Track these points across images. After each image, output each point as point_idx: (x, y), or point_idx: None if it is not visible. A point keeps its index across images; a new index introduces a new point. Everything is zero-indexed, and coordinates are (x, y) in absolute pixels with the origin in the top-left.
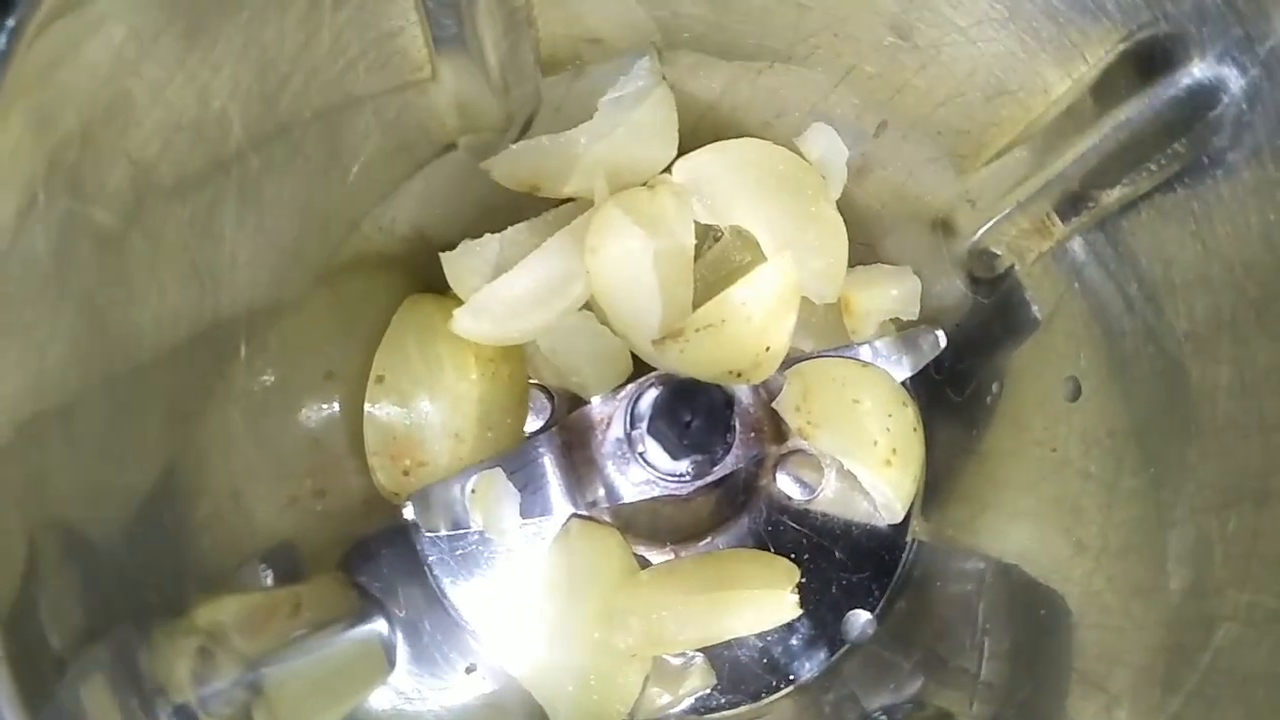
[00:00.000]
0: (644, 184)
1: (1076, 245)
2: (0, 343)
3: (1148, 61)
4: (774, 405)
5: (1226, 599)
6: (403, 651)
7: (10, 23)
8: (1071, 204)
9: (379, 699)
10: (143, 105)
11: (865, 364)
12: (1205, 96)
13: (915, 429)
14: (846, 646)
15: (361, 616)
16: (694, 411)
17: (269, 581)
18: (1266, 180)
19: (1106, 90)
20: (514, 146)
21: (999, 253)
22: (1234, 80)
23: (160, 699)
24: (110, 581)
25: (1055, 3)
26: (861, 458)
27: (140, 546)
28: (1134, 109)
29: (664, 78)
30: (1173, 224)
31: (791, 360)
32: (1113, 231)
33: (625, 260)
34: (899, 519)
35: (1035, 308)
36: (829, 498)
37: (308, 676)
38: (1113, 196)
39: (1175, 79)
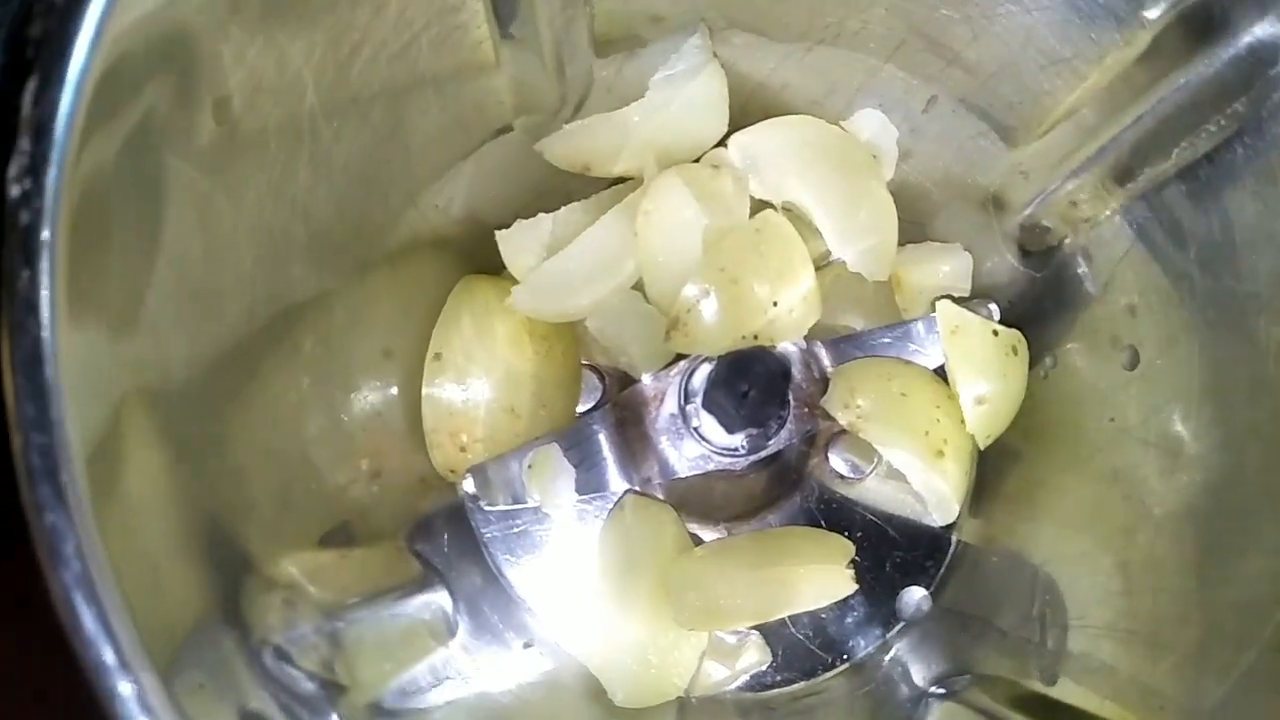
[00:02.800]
0: (703, 163)
1: (1132, 212)
2: (102, 286)
3: (1206, 22)
4: (823, 403)
5: None
6: (461, 628)
7: None
8: (1127, 170)
9: (438, 677)
10: (228, 66)
11: (909, 362)
12: (1266, 54)
13: (964, 421)
14: (901, 624)
15: (425, 585)
16: (751, 382)
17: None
18: None
19: (1164, 53)
20: (567, 126)
21: (1051, 225)
22: None
23: (259, 639)
24: (199, 525)
25: None
26: (913, 448)
27: (225, 500)
28: (1192, 71)
29: (715, 55)
30: (1232, 185)
31: (842, 339)
32: (1169, 196)
33: (676, 229)
34: (952, 518)
35: (1089, 279)
36: (879, 498)
37: (381, 634)
38: (1170, 161)
39: (1234, 37)
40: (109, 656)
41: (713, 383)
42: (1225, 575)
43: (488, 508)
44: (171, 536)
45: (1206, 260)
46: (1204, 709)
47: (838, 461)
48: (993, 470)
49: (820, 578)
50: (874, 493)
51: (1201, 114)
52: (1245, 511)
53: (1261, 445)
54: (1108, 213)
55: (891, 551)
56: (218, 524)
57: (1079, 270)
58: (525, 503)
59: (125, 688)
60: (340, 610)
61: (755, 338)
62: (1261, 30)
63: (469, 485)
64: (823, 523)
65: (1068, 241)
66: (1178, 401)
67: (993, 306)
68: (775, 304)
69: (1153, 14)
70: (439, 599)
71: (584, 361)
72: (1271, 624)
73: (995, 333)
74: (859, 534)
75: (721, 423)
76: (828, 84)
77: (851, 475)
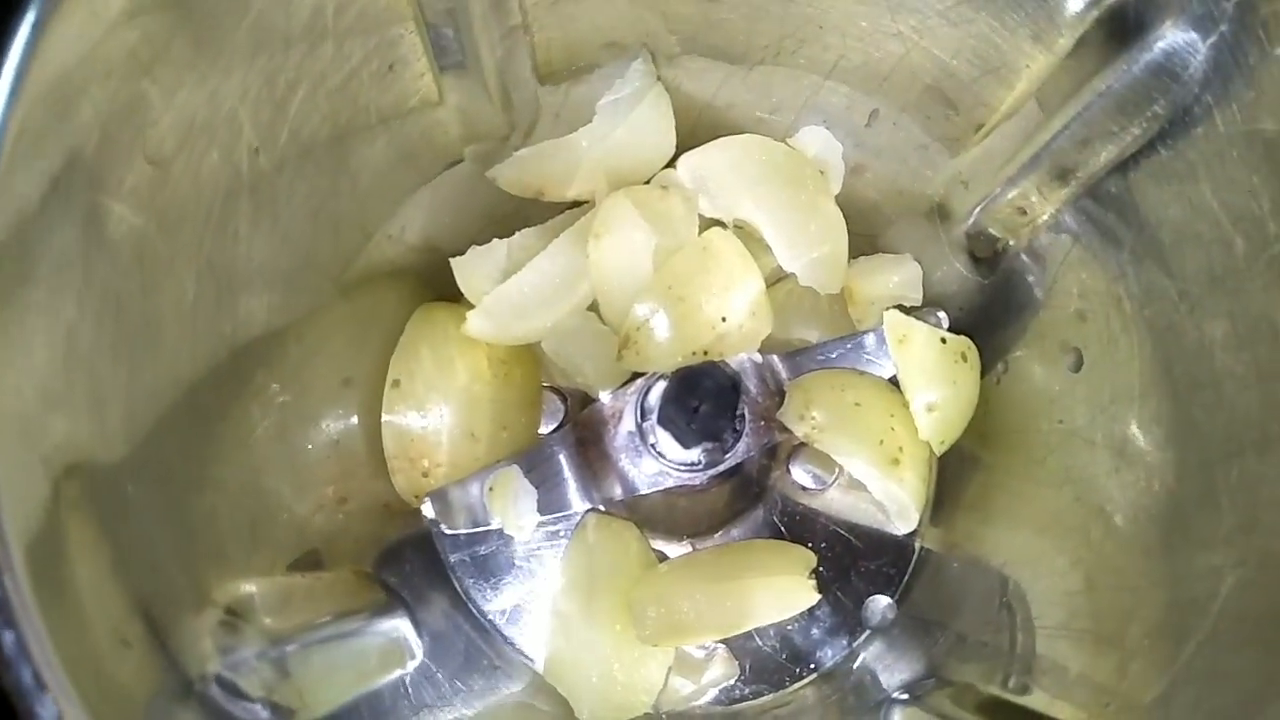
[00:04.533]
0: (652, 184)
1: (1069, 216)
2: (30, 320)
3: (1121, 28)
4: (779, 416)
5: (1234, 546)
6: (428, 650)
7: (31, 17)
8: (1060, 175)
9: (407, 701)
10: (157, 106)
11: (863, 372)
12: (1179, 57)
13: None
14: (868, 632)
15: (384, 611)
16: (701, 397)
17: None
18: (1242, 133)
19: (1084, 59)
20: (517, 153)
21: (996, 232)
22: (1203, 40)
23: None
24: (139, 560)
25: None
26: (869, 458)
27: (168, 532)
28: (1112, 76)
29: (658, 78)
30: (1159, 185)
31: (797, 352)
32: (1103, 199)
33: (626, 250)
34: (913, 525)
35: (1035, 283)
36: (842, 508)
37: (330, 661)
38: (1099, 163)
39: (1148, 43)
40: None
41: (665, 399)
42: (1167, 572)
43: (449, 532)
44: (116, 598)
45: (1140, 260)
46: (1144, 703)
47: (799, 473)
48: (952, 476)
49: (782, 589)
50: (837, 503)
51: (1125, 117)
52: (1184, 509)
53: (1199, 443)
54: (1047, 217)
55: (856, 560)
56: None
57: (1026, 276)
58: (487, 526)
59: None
60: (291, 635)
61: (705, 353)
62: (1173, 35)
63: (429, 510)
64: (786, 534)
65: (1013, 246)
66: (1121, 402)
67: (942, 315)
68: (724, 319)
69: (1071, 21)
70: (399, 625)
71: (545, 383)
72: (1209, 619)
73: (944, 340)
74: (823, 544)
75: (676, 438)
76: (772, 102)
77: (814, 486)
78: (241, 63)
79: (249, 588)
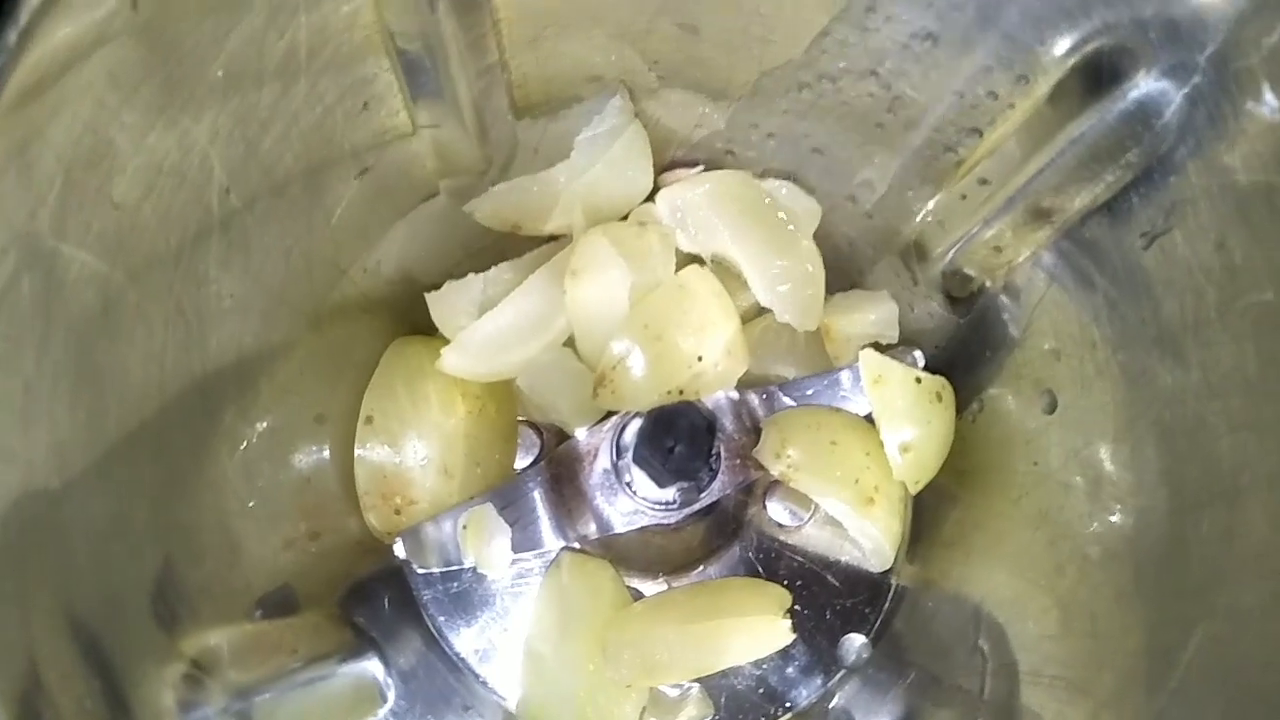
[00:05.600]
0: (629, 220)
1: (1044, 259)
2: None
3: (1095, 78)
4: (755, 454)
5: (1204, 597)
6: (400, 691)
7: None
8: (1036, 217)
9: None
10: (124, 151)
11: (839, 410)
12: (1152, 108)
13: None
14: (843, 671)
15: (355, 653)
16: (675, 436)
17: (264, 619)
18: (1214, 185)
19: (1059, 107)
20: (495, 188)
21: (971, 272)
22: (1176, 90)
23: None
24: (98, 613)
25: (1005, 27)
26: (845, 497)
27: (132, 582)
28: (1086, 124)
29: (635, 115)
30: (1132, 233)
31: (773, 389)
32: (1077, 244)
33: (603, 287)
34: (888, 563)
35: (1010, 323)
36: (819, 545)
37: (298, 709)
38: (1074, 207)
39: (1123, 92)
40: None
41: (640, 438)
42: (1139, 619)
43: (421, 571)
44: (73, 657)
45: (1114, 304)
46: None
47: (776, 509)
48: (929, 513)
49: (757, 629)
50: (813, 539)
51: (1099, 164)
52: (1156, 557)
53: (1170, 491)
54: (1022, 259)
55: (831, 599)
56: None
57: (1002, 315)
58: (460, 565)
59: None
60: (258, 686)
61: (681, 392)
62: (1146, 85)
63: (400, 550)
64: (762, 572)
65: (989, 287)
66: (1094, 445)
67: (917, 354)
68: (700, 359)
69: (1050, 68)
70: (370, 666)
71: (520, 417)
72: (1179, 669)
73: (919, 380)
74: (799, 582)
75: (651, 477)
76: (751, 138)
77: (790, 523)
78: (213, 104)
79: (215, 638)
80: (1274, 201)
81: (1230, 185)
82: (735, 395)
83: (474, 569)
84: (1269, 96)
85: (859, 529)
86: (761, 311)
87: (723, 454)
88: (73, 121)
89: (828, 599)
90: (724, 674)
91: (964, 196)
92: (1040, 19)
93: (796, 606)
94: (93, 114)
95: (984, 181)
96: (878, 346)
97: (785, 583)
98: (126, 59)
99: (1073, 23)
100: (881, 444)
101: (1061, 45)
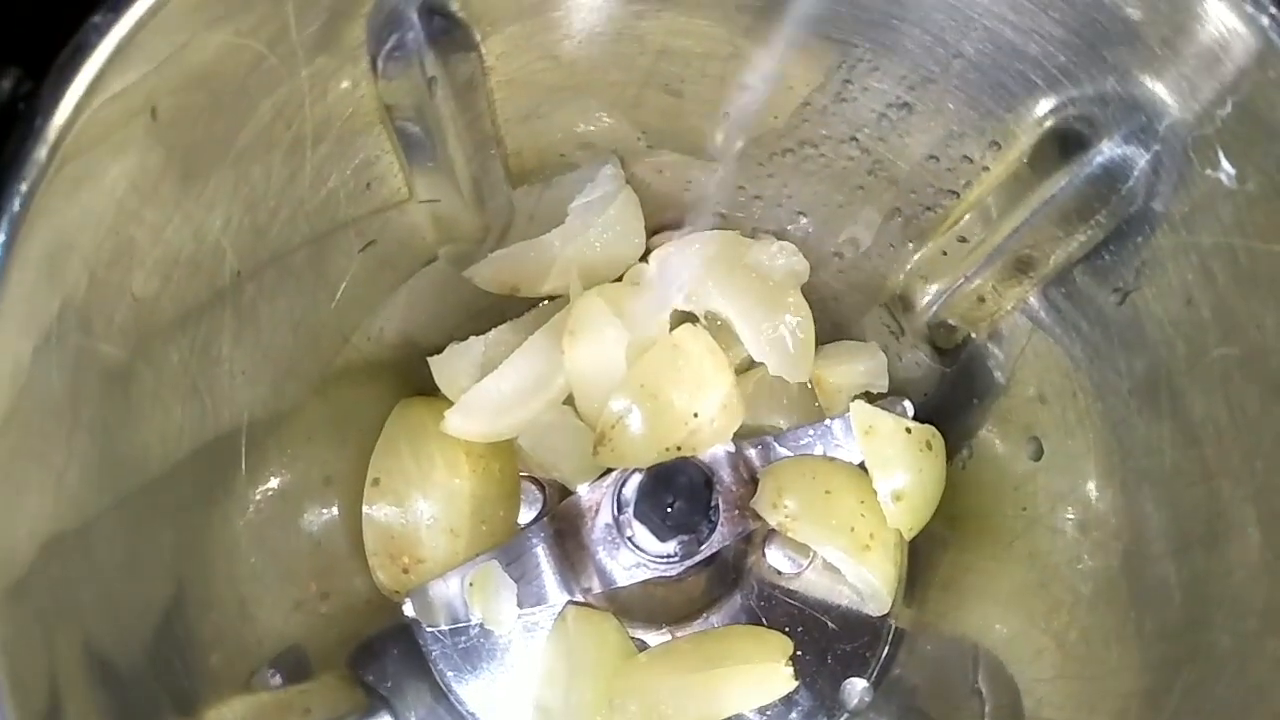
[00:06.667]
0: (624, 280)
1: (1026, 310)
2: (22, 468)
3: (1064, 143)
4: (752, 504)
5: (1186, 641)
6: None
7: (22, 187)
8: (1014, 273)
9: None
10: (144, 247)
11: (833, 459)
12: (1117, 172)
13: None
14: (845, 715)
15: (367, 713)
16: (675, 493)
17: (278, 682)
18: (1179, 244)
19: (1032, 170)
20: (493, 254)
21: (956, 323)
22: (1140, 156)
23: None
24: (127, 689)
25: (975, 97)
26: (841, 545)
27: (154, 656)
28: (1056, 185)
29: (627, 181)
30: (1106, 288)
31: (768, 440)
32: (1056, 297)
33: (599, 347)
34: (886, 608)
35: (995, 371)
36: (818, 590)
37: None
38: (1050, 265)
39: (1089, 158)
40: None
41: (640, 494)
42: (1128, 662)
43: (429, 628)
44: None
45: (1092, 355)
46: None
47: (776, 557)
48: (924, 558)
49: (760, 677)
50: (813, 585)
51: (1071, 224)
52: (1140, 600)
53: (1150, 535)
54: (1002, 312)
55: (832, 644)
56: (151, 701)
57: (987, 363)
58: (467, 621)
59: None
60: None
61: (679, 449)
62: (1111, 151)
63: (409, 609)
64: (764, 619)
65: (973, 337)
66: (1079, 490)
67: (907, 404)
68: (695, 415)
69: (1019, 137)
70: None
71: (524, 473)
72: (1165, 713)
73: (909, 430)
74: (800, 628)
75: (652, 531)
76: (739, 199)
77: (790, 570)
78: (225, 195)
79: (229, 703)
80: (1237, 262)
81: (1195, 245)
82: (731, 448)
83: (481, 625)
84: (1225, 164)
85: (856, 575)
86: (755, 364)
87: (721, 506)
88: (97, 227)
89: (828, 644)
90: None
91: (945, 253)
92: (1008, 91)
93: (798, 652)
94: (115, 218)
95: (963, 239)
96: (868, 396)
97: (787, 629)
98: (147, 164)
99: (1039, 94)
100: (875, 492)
101: (1030, 114)
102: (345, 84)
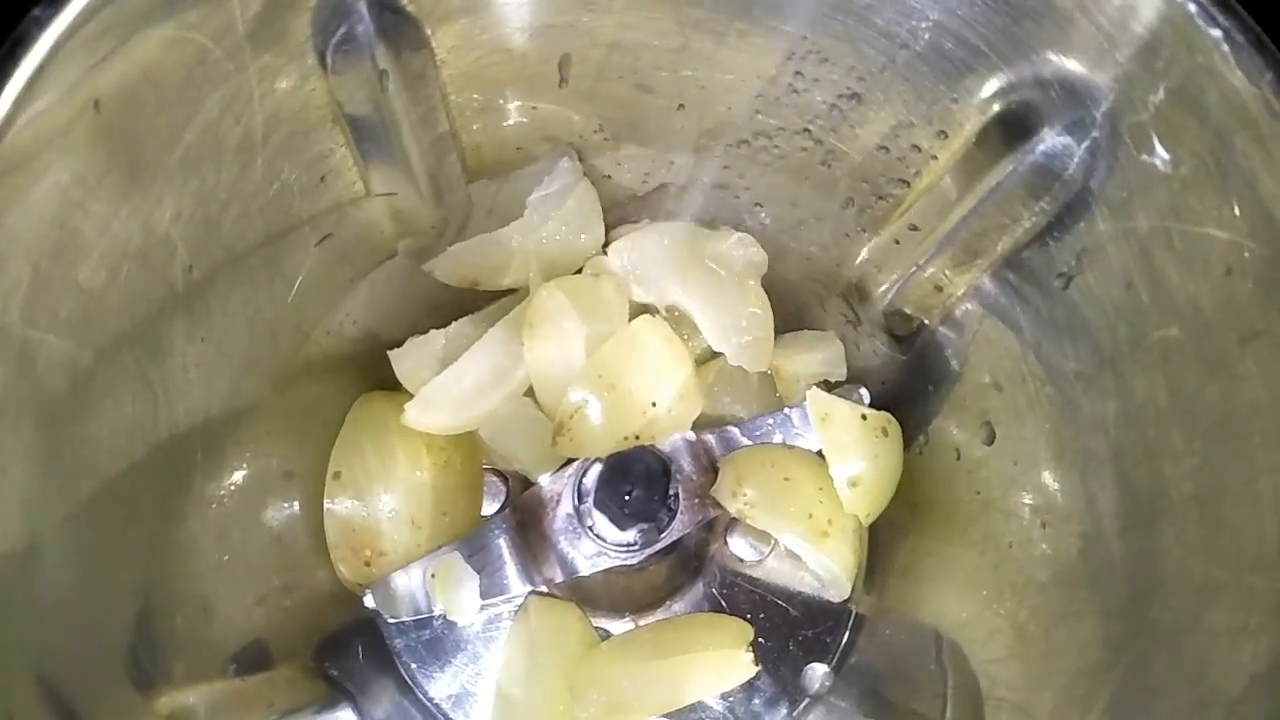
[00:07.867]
0: (584, 271)
1: (976, 298)
2: None
3: (1007, 132)
4: (712, 493)
5: (1129, 618)
6: None
7: None
8: (964, 259)
9: None
10: (90, 238)
11: (792, 447)
12: (1057, 160)
13: None
14: (807, 700)
15: (330, 705)
16: (632, 481)
17: (241, 675)
18: (1118, 229)
19: (977, 158)
20: (452, 248)
21: (910, 311)
22: (1078, 144)
23: None
24: (72, 677)
25: (921, 87)
26: (800, 531)
27: (105, 645)
28: (1001, 174)
29: (584, 174)
30: (1051, 274)
31: (728, 429)
32: (1005, 283)
33: (559, 339)
34: (846, 594)
35: (951, 360)
36: (780, 577)
37: None
38: (997, 251)
39: (1031, 146)
40: None
41: (599, 484)
42: (1075, 640)
43: (392, 620)
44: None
45: (1040, 340)
46: None
47: (738, 544)
48: (884, 544)
49: (720, 663)
50: (775, 572)
51: (1016, 211)
52: (1087, 579)
53: (1096, 517)
54: (953, 299)
55: (794, 630)
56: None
57: (943, 350)
58: (430, 613)
59: None
60: None
61: (637, 438)
62: (1052, 140)
63: (370, 601)
64: (726, 606)
65: (928, 324)
66: (1030, 474)
67: (864, 391)
68: (654, 404)
69: (963, 127)
70: (345, 718)
71: (486, 464)
72: (1109, 688)
73: (864, 417)
74: (761, 615)
75: (612, 520)
76: (696, 191)
77: (752, 557)
78: (174, 189)
79: (190, 696)
80: (1173, 245)
81: (1133, 231)
82: (692, 436)
83: (444, 616)
84: (1160, 150)
85: (816, 561)
86: (715, 354)
87: (681, 494)
88: (39, 219)
89: (790, 630)
90: (692, 708)
91: (897, 241)
92: (951, 79)
93: (760, 639)
94: (59, 210)
95: (915, 228)
96: (827, 385)
97: (749, 616)
98: (91, 156)
99: (981, 81)
100: (833, 478)
101: (973, 102)
102: (294, 79)
